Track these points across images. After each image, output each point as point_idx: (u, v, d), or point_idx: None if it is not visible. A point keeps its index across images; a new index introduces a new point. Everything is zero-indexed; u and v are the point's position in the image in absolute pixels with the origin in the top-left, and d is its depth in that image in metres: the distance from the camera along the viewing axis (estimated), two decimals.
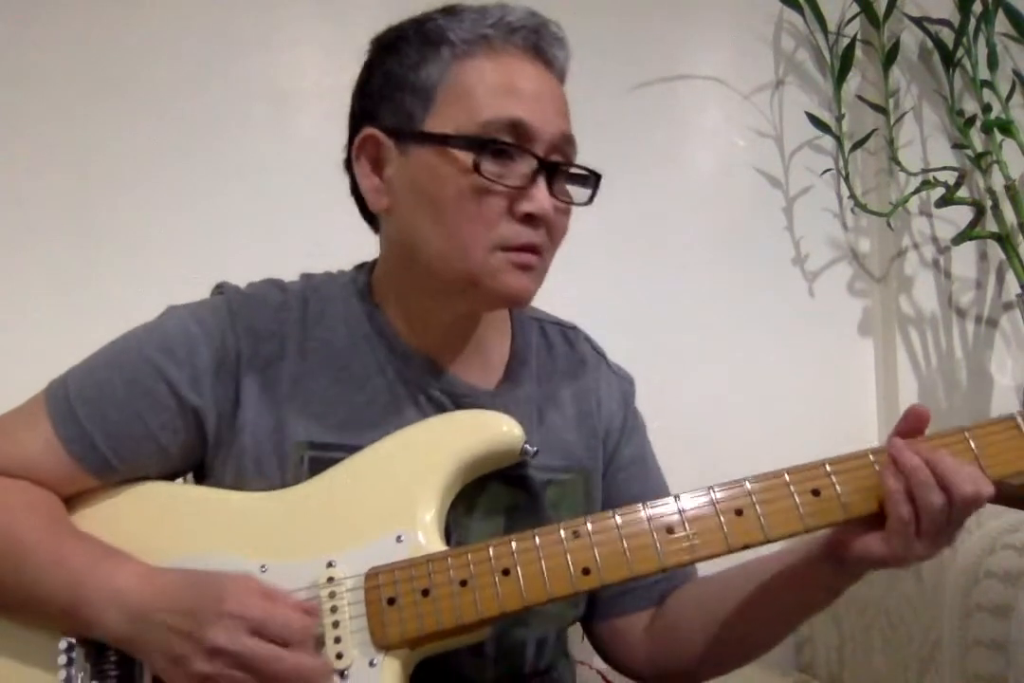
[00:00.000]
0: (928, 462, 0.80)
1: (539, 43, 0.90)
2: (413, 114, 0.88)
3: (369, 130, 0.91)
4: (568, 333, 1.07)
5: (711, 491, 0.83)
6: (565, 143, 0.89)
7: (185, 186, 1.69)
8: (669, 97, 1.88)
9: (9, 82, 1.65)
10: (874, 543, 0.81)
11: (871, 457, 0.83)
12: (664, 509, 0.83)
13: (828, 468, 0.82)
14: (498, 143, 0.85)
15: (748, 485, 0.83)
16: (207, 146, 1.69)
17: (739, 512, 0.82)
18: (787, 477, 0.82)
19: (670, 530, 0.82)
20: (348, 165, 0.96)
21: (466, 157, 0.85)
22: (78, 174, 1.65)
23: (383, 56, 0.92)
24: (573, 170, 0.91)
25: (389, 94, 0.90)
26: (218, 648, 0.77)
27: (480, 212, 0.86)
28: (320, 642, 0.81)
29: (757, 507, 0.82)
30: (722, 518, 0.82)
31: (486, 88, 0.86)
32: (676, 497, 0.83)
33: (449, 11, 0.91)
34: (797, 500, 0.82)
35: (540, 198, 0.86)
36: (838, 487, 0.82)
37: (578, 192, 0.92)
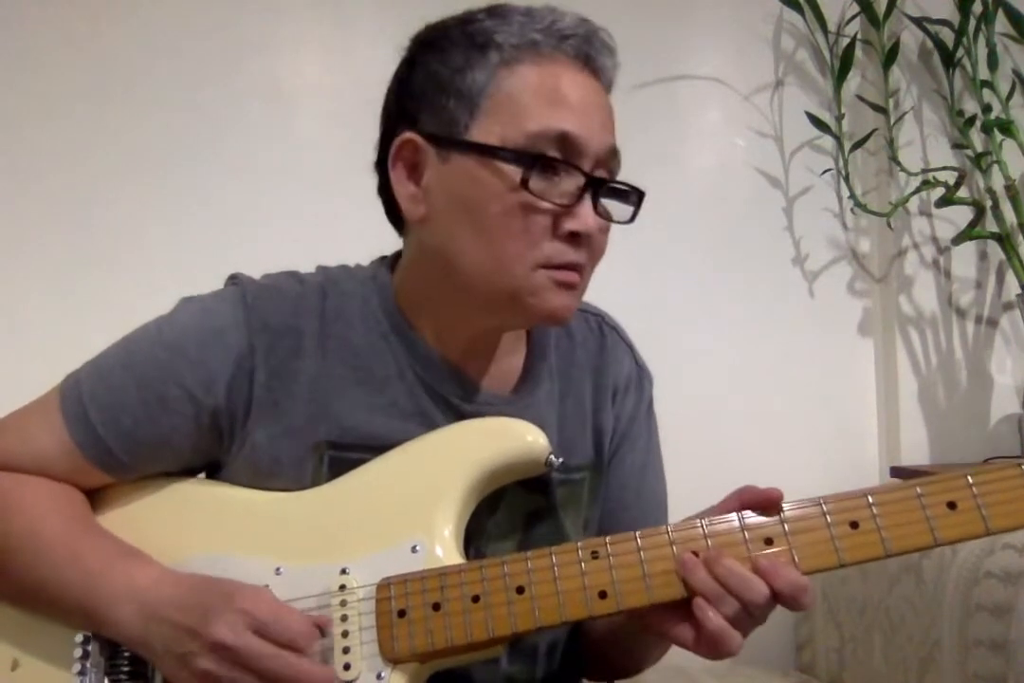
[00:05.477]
0: (717, 577, 0.75)
1: (589, 52, 0.86)
2: (457, 121, 0.84)
3: (408, 134, 0.86)
4: (592, 320, 1.03)
5: (740, 517, 0.78)
6: (611, 157, 0.86)
7: (185, 185, 1.69)
8: (669, 97, 1.88)
9: (9, 82, 1.65)
10: (685, 633, 0.77)
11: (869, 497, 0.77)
12: (689, 533, 0.77)
13: (869, 499, 0.76)
14: (547, 158, 0.82)
15: (782, 513, 0.77)
16: (207, 145, 1.70)
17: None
18: (824, 507, 0.77)
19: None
20: (380, 165, 0.92)
21: (514, 172, 0.82)
22: (78, 173, 1.66)
23: (426, 55, 0.88)
24: (614, 185, 0.88)
25: (432, 97, 0.86)
26: (221, 642, 0.76)
27: (525, 229, 0.83)
28: (329, 652, 0.80)
29: (788, 538, 0.76)
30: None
31: (534, 97, 0.83)
32: (703, 520, 0.78)
33: (495, 12, 0.87)
34: (832, 532, 0.76)
35: (585, 217, 0.83)
36: (878, 520, 0.75)
37: (615, 208, 0.89)
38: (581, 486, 0.98)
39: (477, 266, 0.85)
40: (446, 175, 0.85)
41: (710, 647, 0.76)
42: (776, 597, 0.74)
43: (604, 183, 0.86)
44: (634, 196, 0.89)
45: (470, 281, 0.86)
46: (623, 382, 1.02)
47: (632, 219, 0.90)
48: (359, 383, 0.90)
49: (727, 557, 0.75)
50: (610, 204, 0.88)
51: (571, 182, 0.83)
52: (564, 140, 0.83)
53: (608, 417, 1.00)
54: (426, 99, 0.86)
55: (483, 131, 0.83)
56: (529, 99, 0.83)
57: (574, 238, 0.84)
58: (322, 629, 0.80)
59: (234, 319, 0.88)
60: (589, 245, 0.86)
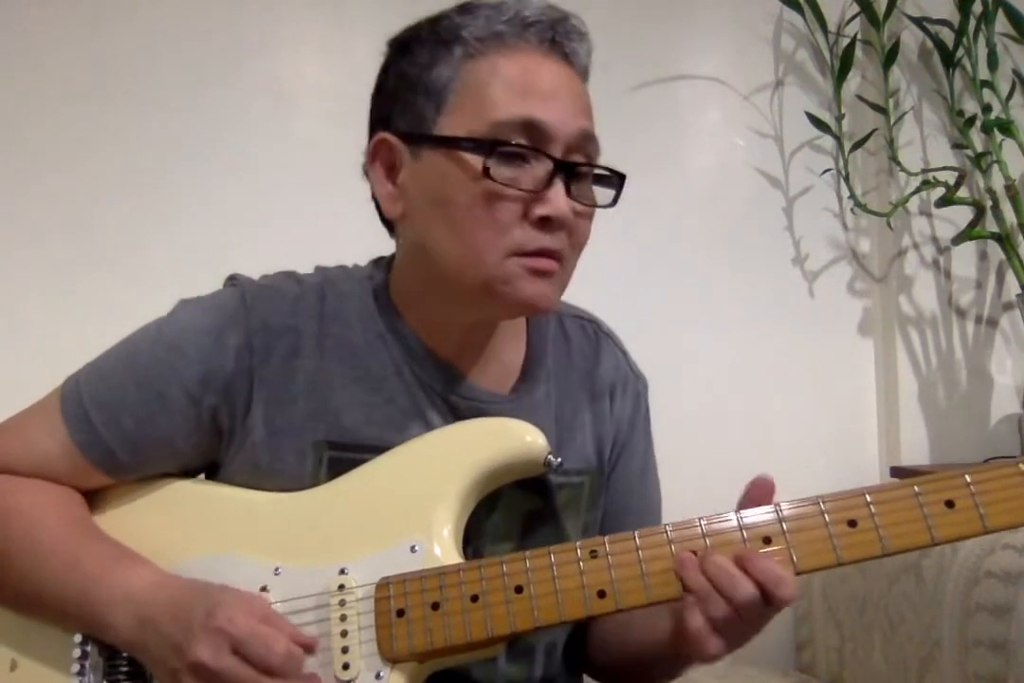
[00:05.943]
0: (708, 576, 0.74)
1: (556, 38, 0.85)
2: (425, 117, 0.85)
3: (382, 135, 0.87)
4: (587, 326, 1.03)
5: (739, 517, 0.77)
6: (585, 142, 0.85)
7: (185, 185, 1.69)
8: (669, 97, 1.88)
9: (9, 82, 1.65)
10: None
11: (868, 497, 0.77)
12: (687, 533, 0.77)
13: (868, 498, 0.76)
14: (508, 145, 0.82)
15: (780, 512, 0.77)
16: (207, 145, 1.70)
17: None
18: (822, 506, 0.76)
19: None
20: (367, 171, 0.92)
21: (476, 161, 0.82)
22: (78, 173, 1.66)
23: (397, 57, 0.89)
24: (596, 171, 0.87)
25: (401, 96, 0.87)
26: (201, 664, 0.75)
27: (493, 217, 0.82)
28: (327, 652, 0.80)
29: (786, 536, 0.76)
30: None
31: (498, 87, 0.83)
32: (701, 520, 0.78)
33: (464, 8, 0.87)
34: (830, 531, 0.75)
35: (556, 201, 0.82)
36: (876, 519, 0.75)
37: (600, 195, 0.88)
38: (581, 490, 0.98)
39: (451, 258, 0.85)
40: (418, 171, 0.86)
41: (688, 648, 0.75)
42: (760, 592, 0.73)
43: (576, 167, 0.84)
44: (615, 179, 0.89)
45: (446, 273, 0.86)
46: (619, 389, 1.02)
47: (614, 202, 0.89)
48: (357, 382, 0.90)
49: (718, 554, 0.75)
50: (593, 190, 0.87)
51: (540, 168, 0.83)
52: (530, 127, 0.82)
53: (607, 423, 1.01)
54: (397, 99, 0.87)
55: (450, 125, 0.84)
56: (494, 89, 0.83)
57: (547, 223, 0.83)
58: (308, 648, 0.79)
59: (233, 319, 0.89)
60: (566, 231, 0.85)
